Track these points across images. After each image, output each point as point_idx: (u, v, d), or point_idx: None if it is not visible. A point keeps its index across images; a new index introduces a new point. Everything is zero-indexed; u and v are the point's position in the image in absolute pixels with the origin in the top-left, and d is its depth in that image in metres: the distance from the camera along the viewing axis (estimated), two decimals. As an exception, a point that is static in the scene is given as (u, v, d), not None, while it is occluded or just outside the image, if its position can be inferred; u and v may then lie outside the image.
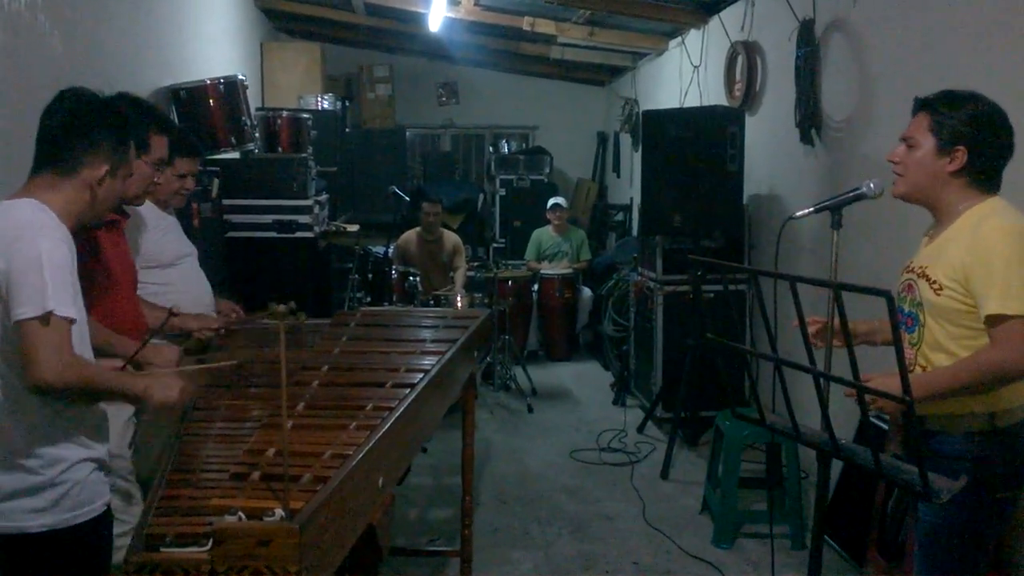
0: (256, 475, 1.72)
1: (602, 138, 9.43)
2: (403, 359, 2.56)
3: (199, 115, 4.35)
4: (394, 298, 5.75)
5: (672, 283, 5.27)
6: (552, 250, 7.61)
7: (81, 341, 1.89)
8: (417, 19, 7.03)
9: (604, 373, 6.94)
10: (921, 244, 2.28)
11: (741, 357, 4.40)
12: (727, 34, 5.59)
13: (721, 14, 5.74)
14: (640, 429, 5.36)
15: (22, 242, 1.75)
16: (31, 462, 1.82)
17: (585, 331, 7.66)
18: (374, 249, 6.29)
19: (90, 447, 1.91)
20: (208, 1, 5.42)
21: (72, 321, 1.78)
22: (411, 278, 5.81)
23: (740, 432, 3.82)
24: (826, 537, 3.39)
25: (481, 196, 8.71)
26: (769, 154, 5.02)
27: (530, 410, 5.84)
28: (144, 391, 1.91)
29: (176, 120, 4.27)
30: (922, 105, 2.17)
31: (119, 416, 2.55)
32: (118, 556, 1.87)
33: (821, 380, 1.98)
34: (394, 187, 6.33)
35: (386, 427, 1.95)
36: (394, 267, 5.97)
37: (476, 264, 6.72)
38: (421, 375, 2.36)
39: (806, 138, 4.48)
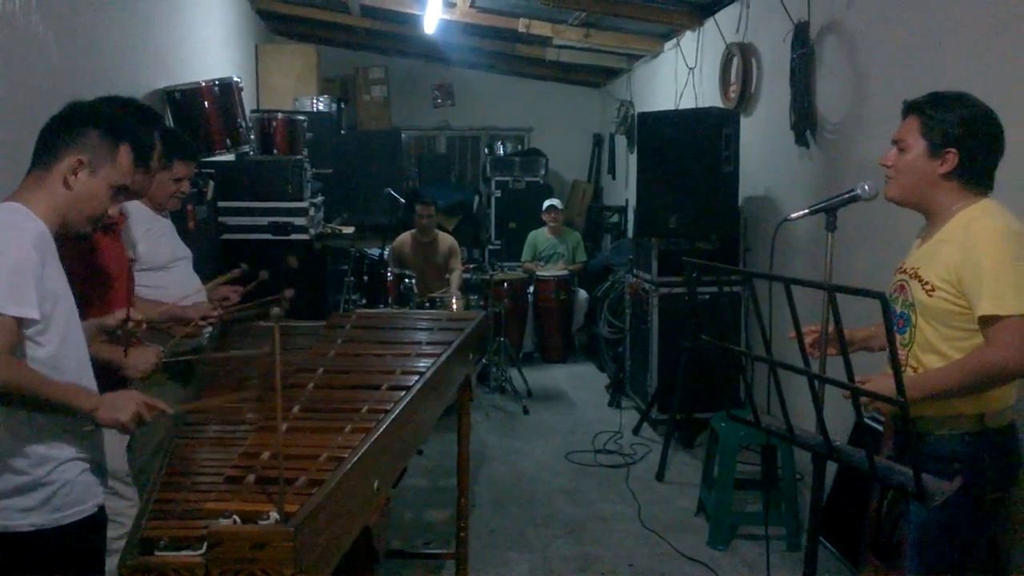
0: (251, 478, 1.72)
1: (597, 140, 9.44)
2: (398, 361, 2.55)
3: (194, 117, 4.35)
4: (389, 300, 5.75)
5: (667, 285, 5.27)
6: (548, 252, 7.61)
7: (66, 341, 1.88)
8: (413, 21, 7.03)
9: (600, 375, 6.94)
10: (914, 245, 2.28)
11: (736, 359, 4.40)
12: (722, 36, 5.60)
13: (716, 16, 5.75)
14: (636, 431, 5.37)
15: None
16: (18, 461, 1.82)
17: (580, 333, 7.67)
18: (369, 251, 6.29)
19: (80, 446, 1.91)
20: (203, 3, 5.42)
21: (21, 321, 1.73)
22: (406, 280, 5.81)
23: (735, 434, 3.83)
24: (821, 538, 3.39)
25: (477, 198, 8.71)
26: (764, 156, 5.03)
27: (526, 412, 5.84)
28: (93, 409, 1.84)
29: (171, 122, 4.26)
30: (911, 108, 2.18)
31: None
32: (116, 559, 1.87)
33: (816, 382, 1.99)
34: (390, 189, 6.34)
35: (381, 429, 1.95)
36: (389, 269, 5.97)
37: (472, 266, 6.72)
38: (416, 377, 2.36)
39: (801, 140, 4.49)
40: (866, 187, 2.23)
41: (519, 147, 9.53)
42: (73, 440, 1.89)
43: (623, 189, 8.23)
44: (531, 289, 7.27)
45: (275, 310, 1.56)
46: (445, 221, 7.76)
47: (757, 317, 2.02)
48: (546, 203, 7.72)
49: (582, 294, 7.47)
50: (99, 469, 1.98)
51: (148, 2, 4.31)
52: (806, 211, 2.30)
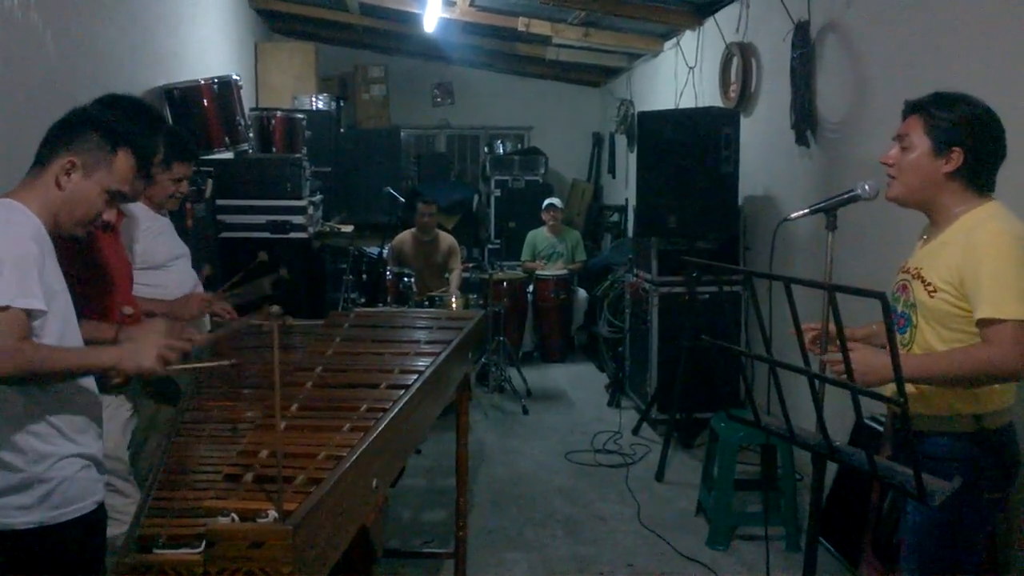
0: (249, 476, 1.71)
1: (597, 139, 9.44)
2: (397, 360, 2.55)
3: (193, 115, 4.34)
4: (388, 299, 5.75)
5: (667, 284, 5.27)
6: (547, 251, 7.61)
7: (64, 339, 1.87)
8: (412, 19, 7.02)
9: (599, 374, 6.94)
10: (917, 246, 2.28)
11: (736, 359, 4.40)
12: (722, 35, 5.60)
13: (716, 15, 5.75)
14: (635, 431, 5.36)
15: None
16: (15, 458, 1.81)
17: (580, 332, 7.67)
18: (368, 250, 6.29)
19: (78, 443, 1.90)
20: (203, 1, 5.41)
21: (29, 312, 1.75)
22: (406, 279, 5.80)
23: (735, 434, 3.82)
24: (821, 539, 3.38)
25: (476, 197, 8.71)
26: (764, 155, 5.02)
27: (525, 411, 5.84)
28: (117, 361, 1.85)
29: (170, 121, 4.26)
30: (914, 108, 2.17)
31: (118, 416, 2.54)
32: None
33: (816, 382, 1.99)
34: (389, 188, 6.34)
35: (380, 428, 1.95)
36: (389, 268, 5.97)
37: (471, 265, 6.72)
38: (415, 376, 2.36)
39: (801, 139, 4.48)
40: (866, 187, 2.22)
41: (519, 146, 9.53)
42: (71, 436, 1.89)
43: (623, 188, 8.23)
44: (530, 288, 7.27)
45: (274, 308, 1.55)
46: (445, 220, 7.76)
47: (757, 317, 2.01)
48: (546, 202, 7.72)
49: (582, 293, 7.47)
50: (99, 465, 1.98)
51: (147, 0, 4.31)
52: (806, 211, 2.30)
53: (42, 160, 1.91)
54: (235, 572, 1.47)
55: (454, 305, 5.58)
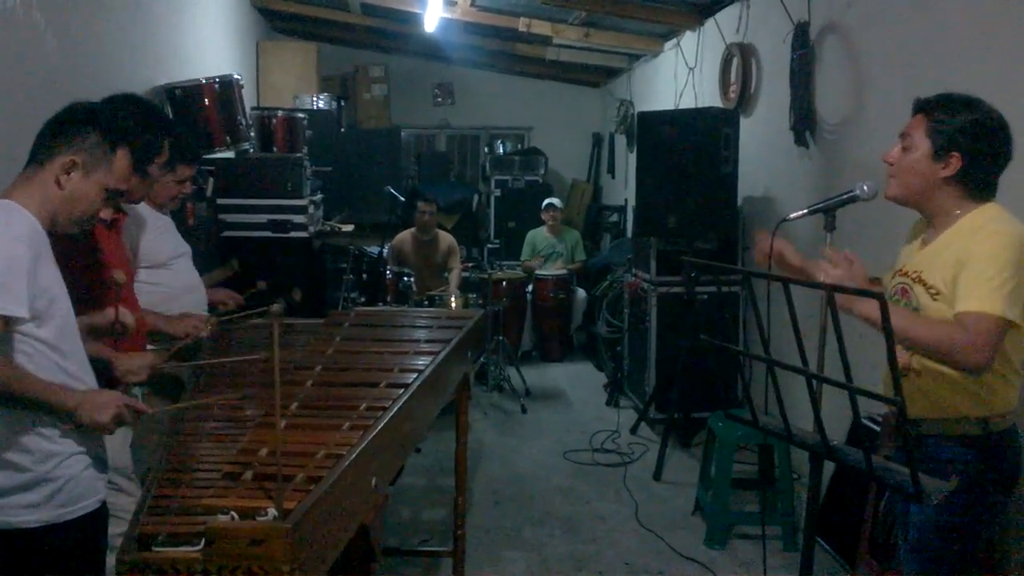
0: (249, 475, 1.72)
1: (597, 139, 9.44)
2: (397, 359, 2.56)
3: (195, 114, 4.34)
4: (388, 298, 5.75)
5: (666, 284, 5.27)
6: (547, 251, 7.61)
7: (61, 336, 1.88)
8: (413, 19, 7.02)
9: (598, 374, 6.94)
10: (913, 247, 2.28)
11: (734, 358, 4.39)
12: (722, 36, 5.61)
13: (716, 16, 5.75)
14: (633, 430, 5.37)
15: None
16: (23, 458, 1.82)
17: (579, 332, 7.67)
18: (369, 249, 6.29)
19: (83, 442, 1.91)
20: (204, 0, 5.42)
21: (8, 319, 1.73)
22: (405, 278, 5.81)
23: (733, 433, 3.83)
24: (818, 538, 3.39)
25: (476, 197, 8.71)
26: (763, 156, 5.03)
27: (523, 411, 5.85)
28: (76, 407, 1.83)
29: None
30: (920, 107, 2.17)
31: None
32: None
33: (813, 381, 1.99)
34: (389, 187, 6.33)
35: (379, 427, 1.95)
36: (389, 267, 5.97)
37: (471, 265, 6.72)
38: (415, 375, 2.37)
39: (800, 140, 4.49)
40: (865, 187, 2.22)
41: (519, 146, 9.54)
42: (76, 435, 1.89)
43: (622, 189, 8.23)
44: (530, 288, 7.27)
45: (275, 306, 1.56)
46: (444, 220, 7.76)
47: (755, 316, 2.02)
48: (545, 202, 7.73)
49: (581, 293, 7.47)
50: (101, 463, 1.98)
51: (149, 0, 4.32)
52: (805, 211, 2.30)
53: (39, 158, 1.90)
54: (234, 570, 1.47)
55: (454, 304, 5.59)
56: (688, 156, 4.84)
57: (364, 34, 8.22)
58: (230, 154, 4.83)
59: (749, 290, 2.11)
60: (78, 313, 2.00)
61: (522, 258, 7.65)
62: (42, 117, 1.96)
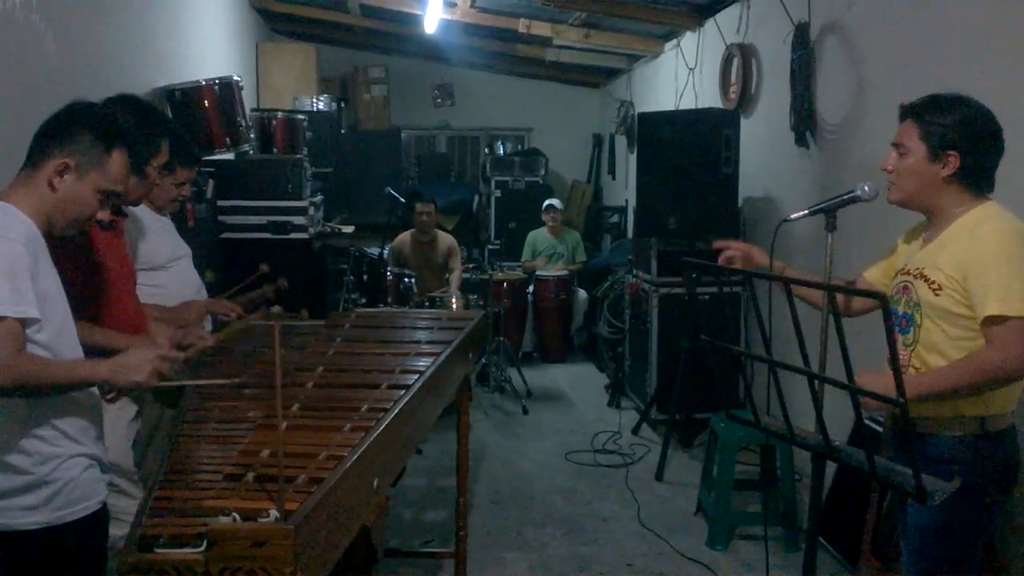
0: (251, 476, 1.72)
1: (597, 140, 9.44)
2: (398, 360, 2.55)
3: (194, 116, 4.34)
4: (389, 300, 5.75)
5: (667, 285, 5.27)
6: (547, 252, 7.61)
7: (59, 340, 1.87)
8: (413, 20, 7.03)
9: (599, 375, 6.94)
10: (914, 247, 2.28)
11: (736, 359, 4.39)
12: (723, 37, 5.60)
13: (717, 17, 5.75)
14: (635, 431, 5.37)
15: None
16: (22, 460, 1.81)
17: (580, 333, 7.67)
18: (369, 250, 6.29)
19: (82, 443, 1.90)
20: (203, 2, 5.42)
21: (24, 321, 1.73)
22: (406, 280, 5.81)
23: (734, 434, 3.83)
24: (820, 539, 3.39)
25: (476, 198, 8.71)
26: (764, 156, 5.03)
27: (525, 412, 5.84)
28: (110, 376, 1.83)
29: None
30: (909, 112, 2.18)
31: (123, 417, 2.55)
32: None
33: (815, 382, 1.99)
34: (389, 188, 6.34)
35: (381, 428, 1.95)
36: (389, 268, 5.97)
37: (471, 266, 6.72)
38: (416, 376, 2.36)
39: (801, 141, 4.49)
40: (866, 188, 2.23)
41: (519, 147, 9.53)
42: (75, 437, 1.89)
43: (623, 189, 8.23)
44: (530, 289, 7.27)
45: (275, 308, 1.56)
46: (445, 221, 7.76)
47: (757, 317, 2.02)
48: (546, 203, 7.73)
49: (582, 294, 7.47)
50: (101, 465, 1.98)
51: (148, 1, 4.31)
52: (806, 212, 2.31)
53: (34, 160, 1.89)
54: (236, 571, 1.47)
55: (454, 306, 5.58)
56: (688, 157, 4.84)
57: (364, 35, 8.22)
58: (230, 156, 4.83)
59: (750, 291, 2.12)
60: (76, 317, 1.99)
61: (523, 259, 7.65)
62: (42, 118, 1.95)
